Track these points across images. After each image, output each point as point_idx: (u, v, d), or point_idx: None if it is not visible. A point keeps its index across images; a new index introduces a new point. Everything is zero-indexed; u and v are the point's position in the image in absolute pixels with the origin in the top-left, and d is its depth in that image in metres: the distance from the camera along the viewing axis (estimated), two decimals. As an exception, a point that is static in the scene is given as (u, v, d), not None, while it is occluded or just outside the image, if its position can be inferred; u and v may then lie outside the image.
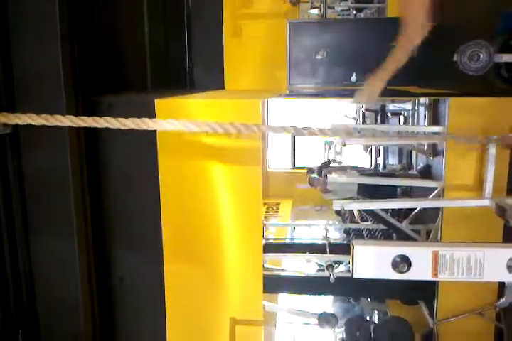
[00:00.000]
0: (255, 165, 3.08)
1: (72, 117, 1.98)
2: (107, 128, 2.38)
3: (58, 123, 1.97)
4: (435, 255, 1.79)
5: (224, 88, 5.09)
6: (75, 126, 2.00)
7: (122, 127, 2.03)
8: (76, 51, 2.53)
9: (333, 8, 6.65)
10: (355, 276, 1.85)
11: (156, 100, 2.85)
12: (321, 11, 5.44)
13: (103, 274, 2.88)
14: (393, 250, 1.83)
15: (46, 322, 2.64)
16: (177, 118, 2.83)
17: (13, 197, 2.41)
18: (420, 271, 1.83)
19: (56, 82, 2.41)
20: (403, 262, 1.81)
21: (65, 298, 2.60)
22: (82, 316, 2.66)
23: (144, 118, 2.12)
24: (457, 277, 1.82)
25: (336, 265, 4.17)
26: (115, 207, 2.87)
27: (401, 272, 1.84)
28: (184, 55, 4.95)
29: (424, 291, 3.80)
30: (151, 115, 2.82)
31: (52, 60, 2.39)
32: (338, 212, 5.84)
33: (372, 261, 1.83)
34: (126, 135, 2.75)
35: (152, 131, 2.64)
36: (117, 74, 3.30)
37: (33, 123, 1.92)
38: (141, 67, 3.76)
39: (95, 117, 2.02)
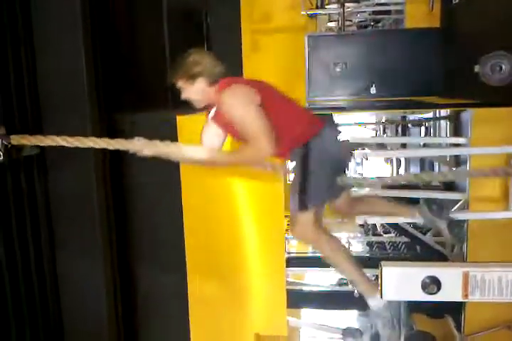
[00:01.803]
0: (277, 179, 3.08)
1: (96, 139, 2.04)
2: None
3: (86, 145, 2.02)
4: (465, 276, 1.75)
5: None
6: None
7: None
8: (100, 70, 2.58)
9: (350, 20, 6.66)
10: (384, 299, 1.82)
11: (177, 117, 2.88)
12: (338, 23, 5.44)
13: (127, 290, 2.89)
14: (422, 271, 1.79)
15: (72, 338, 2.65)
16: (198, 134, 2.88)
17: (39, 215, 2.45)
18: (450, 292, 1.79)
19: (81, 102, 2.45)
20: (433, 283, 1.76)
21: (90, 314, 2.61)
22: (107, 332, 2.67)
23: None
24: (489, 298, 1.78)
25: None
26: (139, 224, 2.89)
27: (431, 293, 1.79)
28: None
29: (451, 305, 3.73)
30: (173, 131, 2.84)
31: (77, 80, 2.43)
32: (361, 225, 5.79)
33: (402, 282, 1.80)
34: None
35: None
36: (139, 91, 3.34)
37: (63, 144, 1.97)
38: (162, 83, 3.79)
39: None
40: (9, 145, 1.96)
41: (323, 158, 2.25)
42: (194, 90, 2.24)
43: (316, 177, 2.24)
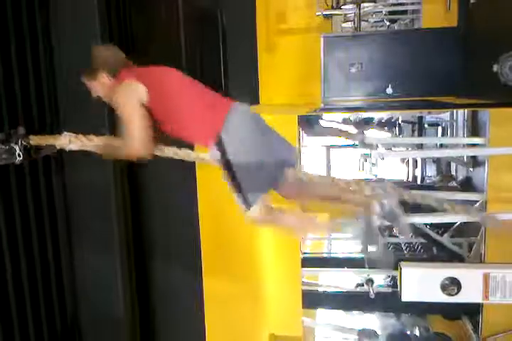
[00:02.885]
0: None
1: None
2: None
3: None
4: (486, 277, 1.73)
5: (259, 103, 5.12)
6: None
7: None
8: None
9: (366, 20, 6.62)
10: (403, 299, 1.81)
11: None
12: (354, 23, 5.42)
13: (144, 289, 2.91)
14: (442, 272, 1.78)
15: (90, 336, 2.68)
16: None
17: (58, 214, 2.48)
18: (471, 293, 1.78)
19: (99, 103, 2.48)
20: (453, 285, 1.75)
21: (108, 314, 2.64)
22: (124, 330, 2.69)
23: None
24: (510, 299, 1.76)
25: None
26: (155, 222, 2.90)
27: (450, 295, 1.78)
28: (219, 71, 5.00)
29: (468, 306, 3.68)
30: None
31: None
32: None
33: (421, 283, 1.79)
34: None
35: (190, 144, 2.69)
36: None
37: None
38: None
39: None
40: (28, 146, 1.98)
41: (240, 147, 2.13)
42: (97, 84, 2.19)
43: (242, 170, 2.13)
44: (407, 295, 1.82)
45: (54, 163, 2.43)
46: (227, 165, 2.12)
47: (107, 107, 2.49)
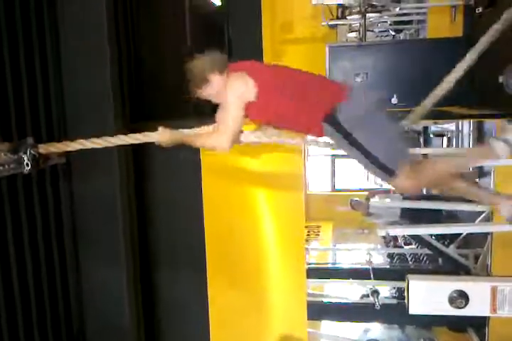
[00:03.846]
0: (297, 189, 3.08)
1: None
2: (153, 156, 2.45)
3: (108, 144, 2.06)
4: (494, 290, 1.72)
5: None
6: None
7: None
8: (125, 81, 2.61)
9: (371, 30, 6.64)
10: (410, 312, 1.79)
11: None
12: (359, 33, 5.43)
13: (149, 297, 2.90)
14: (450, 285, 1.76)
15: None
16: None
17: (64, 226, 2.48)
18: (479, 306, 1.76)
19: (106, 112, 2.49)
20: (461, 298, 1.73)
21: (113, 324, 2.63)
22: (129, 338, 2.68)
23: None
24: (518, 313, 1.75)
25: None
26: (160, 231, 2.90)
27: (459, 308, 1.76)
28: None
29: (474, 318, 3.65)
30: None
31: (102, 91, 2.47)
32: (383, 237, 5.71)
33: (429, 296, 1.77)
34: (171, 161, 2.81)
35: (197, 159, 2.70)
36: (163, 101, 3.37)
37: (91, 146, 2.01)
38: (185, 93, 3.82)
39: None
40: (37, 155, 1.99)
41: (363, 122, 2.13)
42: (214, 88, 2.22)
43: (373, 142, 2.13)
44: (415, 308, 1.80)
45: (62, 173, 2.43)
46: (354, 143, 2.12)
47: (113, 117, 2.51)
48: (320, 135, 2.26)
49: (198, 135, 2.34)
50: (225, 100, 2.15)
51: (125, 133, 2.60)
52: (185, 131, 2.33)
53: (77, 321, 2.57)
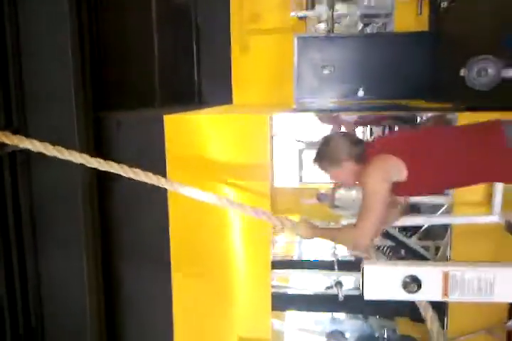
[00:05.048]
0: (263, 182, 3.08)
1: (86, 156, 2.02)
2: (115, 142, 2.40)
3: (71, 159, 2.01)
4: (445, 275, 1.76)
5: (232, 103, 5.11)
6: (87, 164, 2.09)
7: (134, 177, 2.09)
8: (87, 70, 2.56)
9: (339, 22, 6.65)
10: (365, 297, 1.82)
11: (164, 116, 2.86)
12: (328, 25, 5.45)
13: (111, 292, 2.86)
14: (403, 270, 1.80)
15: (54, 339, 2.63)
16: (185, 134, 2.86)
17: (22, 217, 2.42)
18: (430, 291, 1.80)
19: (67, 101, 2.43)
20: (413, 282, 1.78)
21: (72, 317, 2.59)
22: (89, 333, 2.64)
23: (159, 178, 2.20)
24: (468, 297, 1.79)
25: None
26: (123, 224, 2.87)
27: (411, 292, 1.80)
28: (193, 70, 4.97)
29: (434, 309, 3.73)
30: (160, 131, 2.82)
31: (63, 79, 2.41)
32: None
33: (383, 281, 1.80)
34: (135, 149, 2.77)
35: (162, 147, 2.67)
36: (126, 90, 3.32)
37: (46, 153, 1.95)
38: (150, 82, 3.78)
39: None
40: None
41: None
42: (342, 173, 2.21)
43: None
44: (369, 293, 1.83)
45: (20, 160, 2.37)
46: None
47: (74, 106, 2.46)
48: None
49: (338, 230, 2.30)
50: (369, 188, 2.05)
51: (87, 124, 2.55)
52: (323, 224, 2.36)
53: (35, 314, 2.52)
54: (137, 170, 2.15)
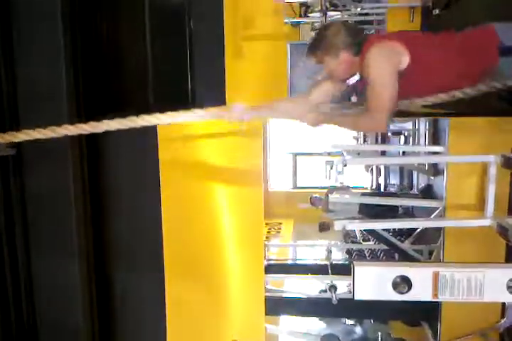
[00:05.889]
0: (256, 185, 3.09)
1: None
2: (109, 148, 2.41)
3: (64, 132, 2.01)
4: (435, 276, 1.78)
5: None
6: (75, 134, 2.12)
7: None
8: (80, 72, 2.56)
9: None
10: (356, 298, 1.84)
11: (157, 120, 2.86)
12: (321, 32, 5.50)
13: (104, 295, 2.85)
14: (394, 271, 1.82)
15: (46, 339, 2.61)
16: (178, 138, 2.87)
17: (15, 218, 2.41)
18: (421, 291, 1.82)
19: (59, 104, 2.44)
20: (403, 283, 1.80)
21: (65, 319, 2.58)
22: (82, 334, 2.63)
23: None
24: (457, 298, 1.81)
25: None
26: (116, 225, 2.86)
27: (401, 293, 1.82)
28: (186, 74, 4.98)
29: (427, 312, 3.75)
30: (152, 133, 2.83)
31: (55, 82, 2.42)
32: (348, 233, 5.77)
33: (373, 281, 1.82)
34: (127, 154, 2.77)
35: (155, 151, 2.68)
36: (119, 93, 3.32)
37: (38, 136, 1.96)
38: (142, 85, 3.78)
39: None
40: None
41: None
42: (338, 63, 2.16)
43: None
44: (360, 293, 1.85)
45: (12, 165, 2.37)
46: None
47: (67, 108, 2.46)
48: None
49: (351, 116, 2.21)
50: (375, 75, 2.00)
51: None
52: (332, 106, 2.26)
53: (27, 315, 2.51)
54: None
